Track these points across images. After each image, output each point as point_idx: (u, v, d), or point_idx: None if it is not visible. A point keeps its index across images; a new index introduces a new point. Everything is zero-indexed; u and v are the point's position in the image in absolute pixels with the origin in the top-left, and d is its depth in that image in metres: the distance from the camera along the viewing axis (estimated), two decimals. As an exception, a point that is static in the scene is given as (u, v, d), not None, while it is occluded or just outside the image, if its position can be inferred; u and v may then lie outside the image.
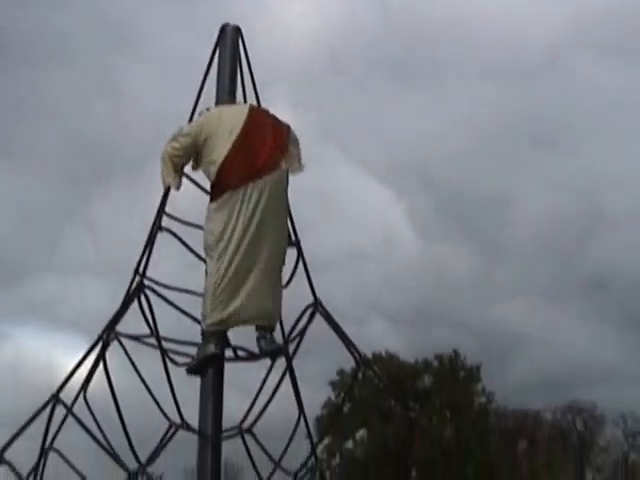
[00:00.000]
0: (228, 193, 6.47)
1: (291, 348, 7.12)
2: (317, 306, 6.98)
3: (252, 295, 6.34)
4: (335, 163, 75.09)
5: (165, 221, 7.22)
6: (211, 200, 6.62)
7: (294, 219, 7.20)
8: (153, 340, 6.82)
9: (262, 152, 6.59)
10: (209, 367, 6.48)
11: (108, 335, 6.76)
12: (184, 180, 7.10)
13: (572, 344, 70.91)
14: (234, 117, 6.78)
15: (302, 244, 7.19)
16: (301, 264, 7.10)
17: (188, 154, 6.86)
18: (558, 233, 75.28)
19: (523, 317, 70.12)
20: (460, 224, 76.97)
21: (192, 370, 6.55)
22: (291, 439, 7.04)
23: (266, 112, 7.16)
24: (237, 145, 6.58)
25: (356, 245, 72.02)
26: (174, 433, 6.67)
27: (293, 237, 7.13)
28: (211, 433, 6.51)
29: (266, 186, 6.46)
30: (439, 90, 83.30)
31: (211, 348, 6.38)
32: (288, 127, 7.05)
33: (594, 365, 70.22)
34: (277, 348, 6.71)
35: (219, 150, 6.60)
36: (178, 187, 6.97)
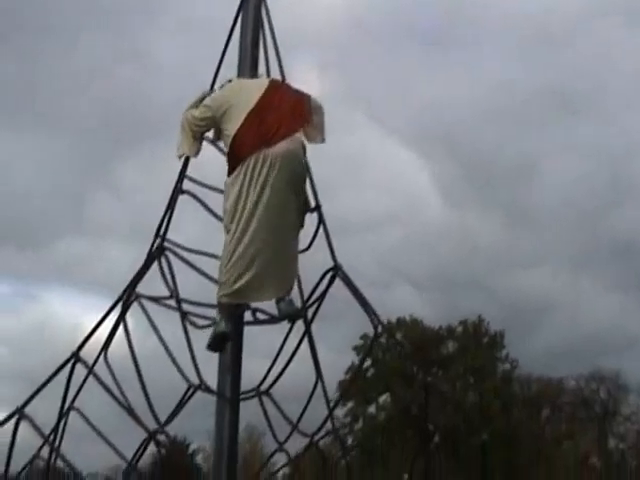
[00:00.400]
0: (240, 166, 6.41)
1: (310, 312, 7.11)
2: (337, 270, 6.94)
3: (265, 270, 6.31)
4: (362, 128, 75.05)
5: (187, 184, 7.21)
6: (228, 174, 6.58)
7: (315, 183, 7.17)
8: (173, 302, 6.82)
9: (275, 122, 6.49)
10: (224, 344, 6.45)
11: (129, 296, 6.78)
12: (206, 144, 7.07)
13: (597, 312, 70.81)
14: (252, 90, 6.72)
15: (328, 208, 7.16)
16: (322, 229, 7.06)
17: (207, 125, 6.82)
18: (585, 200, 74.97)
19: (548, 284, 69.97)
20: (486, 190, 76.85)
21: (210, 347, 6.53)
22: (308, 402, 7.02)
23: (287, 85, 7.08)
24: (250, 117, 6.51)
25: (382, 210, 72.07)
26: (193, 394, 6.68)
27: (314, 202, 7.10)
28: (229, 394, 6.52)
29: (277, 155, 6.36)
30: (468, 57, 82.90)
31: (222, 326, 6.36)
32: (309, 97, 6.95)
33: (619, 333, 70.23)
34: (296, 311, 6.69)
35: (234, 123, 6.54)
36: (195, 154, 6.97)
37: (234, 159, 6.50)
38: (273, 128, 6.45)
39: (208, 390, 6.60)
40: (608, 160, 78.57)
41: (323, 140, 7.02)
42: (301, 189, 6.66)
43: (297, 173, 6.54)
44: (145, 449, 6.69)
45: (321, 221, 7.08)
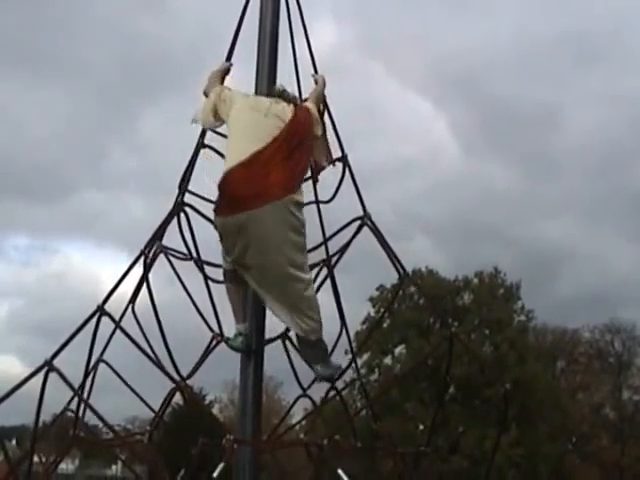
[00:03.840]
0: (220, 218, 6.35)
1: (333, 260, 7.12)
2: (365, 219, 6.91)
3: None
4: (379, 77, 74.54)
5: (210, 139, 7.20)
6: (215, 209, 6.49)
7: (340, 133, 7.14)
8: (193, 256, 6.84)
9: (264, 178, 6.25)
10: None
11: (150, 249, 6.79)
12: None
13: (615, 263, 70.74)
14: (258, 123, 6.49)
15: (349, 158, 7.14)
16: (349, 178, 7.03)
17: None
18: (606, 150, 74.47)
19: (566, 235, 69.94)
20: (505, 139, 76.45)
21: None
22: (333, 349, 7.03)
23: (293, 117, 6.67)
24: (245, 163, 6.28)
25: (400, 159, 71.83)
26: (216, 345, 6.71)
27: (340, 152, 7.08)
28: (254, 344, 6.54)
29: (256, 220, 6.17)
30: (486, 4, 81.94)
31: (237, 342, 6.44)
32: (311, 120, 6.76)
33: (637, 285, 70.00)
34: (332, 374, 6.75)
35: (231, 153, 6.44)
36: (209, 126, 6.98)
37: (219, 198, 6.43)
38: (258, 185, 6.26)
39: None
40: (629, 109, 78.00)
41: (328, 163, 7.05)
42: (295, 240, 6.42)
43: (284, 231, 6.32)
44: (171, 400, 6.75)
45: (347, 170, 7.05)
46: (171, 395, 6.69)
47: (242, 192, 6.19)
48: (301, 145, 6.52)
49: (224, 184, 6.29)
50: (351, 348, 7.38)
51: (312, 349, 6.55)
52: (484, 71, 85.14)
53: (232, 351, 6.52)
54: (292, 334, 6.91)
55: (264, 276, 6.32)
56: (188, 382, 6.87)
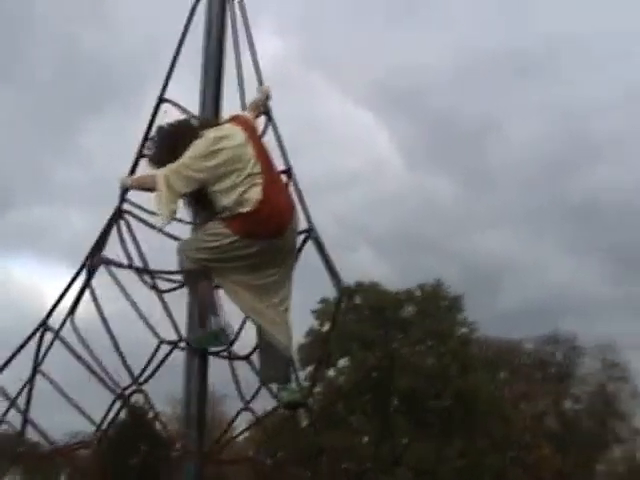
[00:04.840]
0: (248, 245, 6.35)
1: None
2: (311, 233, 6.91)
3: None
4: (321, 89, 74.85)
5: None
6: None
7: (284, 146, 7.15)
8: (136, 266, 6.76)
9: (283, 200, 6.54)
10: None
11: (92, 261, 6.70)
12: (171, 109, 7.01)
13: (556, 275, 71.63)
14: (242, 150, 6.44)
15: (293, 170, 7.14)
16: (294, 191, 7.03)
17: (198, 186, 6.40)
18: (544, 162, 75.54)
19: (508, 246, 70.73)
20: (447, 152, 77.19)
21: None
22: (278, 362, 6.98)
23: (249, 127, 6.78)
24: (267, 189, 6.34)
25: (342, 171, 72.12)
26: (170, 353, 6.64)
27: (284, 164, 7.08)
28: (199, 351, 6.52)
29: (287, 244, 6.53)
30: (427, 18, 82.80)
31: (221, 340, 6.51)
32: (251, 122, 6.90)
33: (577, 296, 71.06)
34: (298, 400, 6.71)
35: (238, 188, 6.31)
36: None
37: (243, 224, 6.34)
38: (287, 205, 6.53)
39: (178, 346, 6.59)
40: (567, 121, 79.23)
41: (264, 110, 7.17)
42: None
43: (294, 253, 6.73)
44: (119, 411, 6.68)
45: (294, 184, 7.06)
46: (113, 405, 6.60)
47: (284, 210, 6.43)
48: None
49: (269, 209, 6.30)
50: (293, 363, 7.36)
51: (284, 366, 6.62)
52: (426, 85, 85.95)
53: (179, 361, 6.54)
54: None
55: (275, 285, 6.51)
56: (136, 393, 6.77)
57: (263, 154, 6.57)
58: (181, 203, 6.45)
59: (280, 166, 7.01)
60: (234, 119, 6.79)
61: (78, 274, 6.71)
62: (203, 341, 6.41)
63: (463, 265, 69.56)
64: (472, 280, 65.30)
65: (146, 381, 6.54)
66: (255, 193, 6.22)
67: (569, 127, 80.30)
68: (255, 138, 6.65)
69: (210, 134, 6.43)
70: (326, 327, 47.22)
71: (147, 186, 6.45)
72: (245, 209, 6.19)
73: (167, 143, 6.58)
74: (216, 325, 6.35)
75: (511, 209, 76.54)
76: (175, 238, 6.83)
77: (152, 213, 6.55)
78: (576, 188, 77.02)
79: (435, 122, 79.99)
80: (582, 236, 77.14)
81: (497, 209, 76.79)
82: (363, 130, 78.20)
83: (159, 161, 6.56)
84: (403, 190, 75.48)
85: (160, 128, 6.75)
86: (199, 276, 6.43)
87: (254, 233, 6.26)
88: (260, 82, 7.35)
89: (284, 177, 6.95)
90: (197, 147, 6.33)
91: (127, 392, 6.46)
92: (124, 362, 6.37)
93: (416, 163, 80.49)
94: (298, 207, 6.78)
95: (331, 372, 50.23)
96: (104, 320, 6.46)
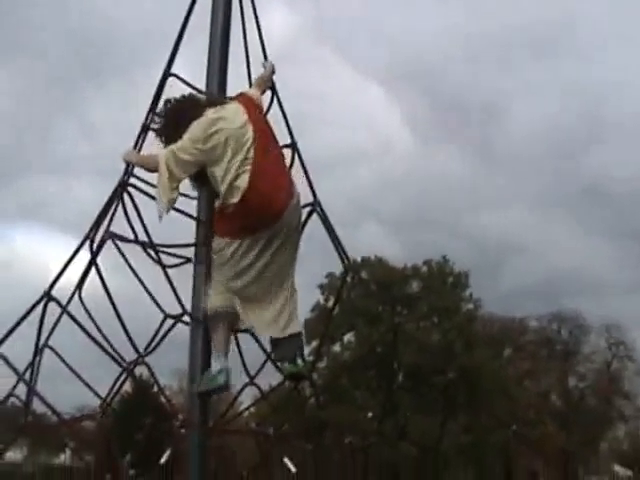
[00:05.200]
0: (249, 239, 6.25)
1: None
2: (315, 206, 6.90)
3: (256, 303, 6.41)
4: (332, 65, 74.60)
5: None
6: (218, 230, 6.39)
7: (289, 120, 7.13)
8: (142, 240, 6.76)
9: (277, 180, 6.33)
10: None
11: (94, 234, 6.69)
12: (177, 83, 6.98)
13: (562, 254, 71.66)
14: (239, 135, 6.33)
15: (300, 145, 7.12)
16: (299, 165, 7.02)
17: (196, 168, 6.38)
18: (556, 141, 75.36)
19: (515, 225, 70.70)
20: (457, 129, 76.93)
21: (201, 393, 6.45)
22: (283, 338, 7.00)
23: (252, 104, 6.68)
24: (255, 176, 6.21)
25: (352, 147, 72.03)
26: (173, 326, 6.66)
27: (289, 139, 7.07)
28: (203, 316, 6.52)
29: (287, 224, 6.29)
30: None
31: (221, 379, 6.27)
32: (256, 102, 6.76)
33: (583, 275, 71.10)
34: (301, 372, 6.60)
35: (230, 173, 6.24)
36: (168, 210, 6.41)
37: (244, 217, 6.27)
38: (279, 190, 6.30)
39: (183, 321, 6.60)
40: (579, 99, 78.96)
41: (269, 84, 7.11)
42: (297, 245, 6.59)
43: (298, 229, 6.54)
44: (122, 383, 6.70)
45: (299, 158, 7.05)
46: (121, 377, 6.62)
47: (274, 197, 6.23)
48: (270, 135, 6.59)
49: (257, 198, 6.18)
50: (321, 344, 7.36)
51: (296, 346, 6.57)
52: (437, 60, 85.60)
53: (184, 339, 6.54)
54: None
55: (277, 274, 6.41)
56: (138, 367, 6.79)
57: (263, 135, 6.48)
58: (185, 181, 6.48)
59: (286, 142, 7.01)
60: (238, 97, 6.78)
61: (81, 246, 6.70)
62: (208, 381, 6.38)
63: (470, 243, 69.63)
64: (479, 258, 65.42)
65: (149, 354, 6.55)
66: (242, 181, 6.20)
67: (581, 106, 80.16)
68: (257, 118, 6.56)
69: (208, 115, 6.41)
70: (331, 302, 47.42)
71: (150, 167, 6.47)
72: (234, 199, 6.18)
73: (172, 118, 6.58)
74: (222, 365, 6.35)
75: (520, 187, 76.49)
76: (181, 212, 6.84)
77: (156, 187, 6.53)
78: (587, 168, 76.91)
79: (446, 99, 79.84)
80: (592, 216, 77.06)
81: (506, 188, 76.76)
82: (373, 105, 78.06)
83: (165, 135, 6.59)
84: (412, 167, 75.48)
85: (167, 102, 6.73)
86: (223, 318, 6.44)
87: (247, 227, 6.24)
88: (265, 57, 7.33)
89: (289, 153, 6.95)
90: (194, 129, 6.34)
91: (132, 365, 6.47)
92: (128, 335, 6.37)
93: (426, 140, 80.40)
94: (303, 182, 6.78)
95: (336, 347, 50.44)
96: (109, 294, 6.45)
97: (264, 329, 6.53)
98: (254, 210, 6.18)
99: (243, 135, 6.33)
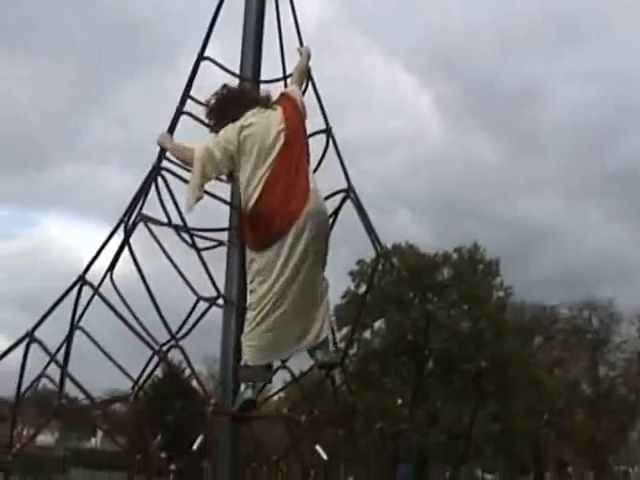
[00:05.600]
0: (274, 247, 6.13)
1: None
2: (349, 192, 6.87)
3: (286, 325, 6.23)
4: (364, 51, 74.37)
5: (190, 106, 7.10)
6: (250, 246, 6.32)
7: (324, 106, 7.12)
8: (175, 223, 6.76)
9: (289, 193, 6.14)
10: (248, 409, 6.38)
11: (129, 218, 6.71)
12: (210, 67, 6.96)
13: (595, 241, 71.19)
14: (264, 138, 6.29)
15: (334, 131, 7.11)
16: (334, 151, 6.99)
17: (228, 167, 6.40)
18: (590, 127, 74.79)
19: (547, 212, 70.30)
20: (490, 115, 76.58)
21: (234, 417, 6.40)
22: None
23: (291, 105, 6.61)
24: (270, 182, 6.15)
25: (384, 134, 71.86)
26: (208, 309, 6.64)
27: (324, 124, 7.06)
28: (236, 300, 6.52)
29: (309, 225, 6.10)
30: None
31: (249, 393, 6.27)
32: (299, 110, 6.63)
33: (615, 263, 70.54)
34: (332, 360, 6.50)
35: (252, 182, 6.21)
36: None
37: (257, 230, 6.24)
38: (290, 198, 6.15)
39: (217, 304, 6.58)
40: (614, 87, 78.23)
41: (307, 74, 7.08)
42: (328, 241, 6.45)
43: (326, 232, 6.40)
44: (156, 367, 6.71)
45: (332, 143, 7.03)
46: (150, 362, 6.62)
47: (282, 210, 6.12)
48: (303, 145, 6.51)
49: (266, 209, 6.14)
50: (353, 331, 7.32)
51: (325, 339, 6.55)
52: (470, 46, 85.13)
53: (216, 322, 6.54)
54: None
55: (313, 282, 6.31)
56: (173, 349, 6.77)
57: (295, 142, 6.39)
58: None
59: (320, 125, 7.00)
60: (280, 99, 6.70)
61: (116, 230, 6.73)
62: (239, 397, 6.32)
63: (501, 230, 69.30)
64: (510, 245, 65.09)
65: (183, 337, 6.55)
66: (256, 192, 6.16)
67: (615, 93, 79.36)
68: (293, 123, 6.48)
69: (248, 117, 6.40)
70: (362, 288, 47.38)
71: (182, 157, 6.52)
72: (248, 209, 6.19)
73: (219, 107, 6.62)
74: (247, 395, 6.30)
75: (553, 175, 76.03)
76: (213, 196, 6.83)
77: (190, 171, 6.54)
78: (621, 155, 76.24)
79: (479, 84, 79.47)
80: (626, 203, 76.40)
81: (539, 174, 76.35)
82: (405, 91, 77.76)
83: (213, 119, 6.70)
84: (444, 153, 75.19)
85: (224, 86, 6.73)
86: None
87: (260, 240, 6.20)
88: (301, 42, 7.31)
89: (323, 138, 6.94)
90: (229, 130, 6.35)
91: (164, 348, 6.46)
92: (162, 318, 6.36)
93: (457, 126, 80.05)
94: (332, 169, 6.75)
95: (367, 334, 50.41)
96: (142, 277, 6.45)
97: (300, 346, 6.42)
98: (263, 220, 6.16)
99: (272, 146, 6.29)
